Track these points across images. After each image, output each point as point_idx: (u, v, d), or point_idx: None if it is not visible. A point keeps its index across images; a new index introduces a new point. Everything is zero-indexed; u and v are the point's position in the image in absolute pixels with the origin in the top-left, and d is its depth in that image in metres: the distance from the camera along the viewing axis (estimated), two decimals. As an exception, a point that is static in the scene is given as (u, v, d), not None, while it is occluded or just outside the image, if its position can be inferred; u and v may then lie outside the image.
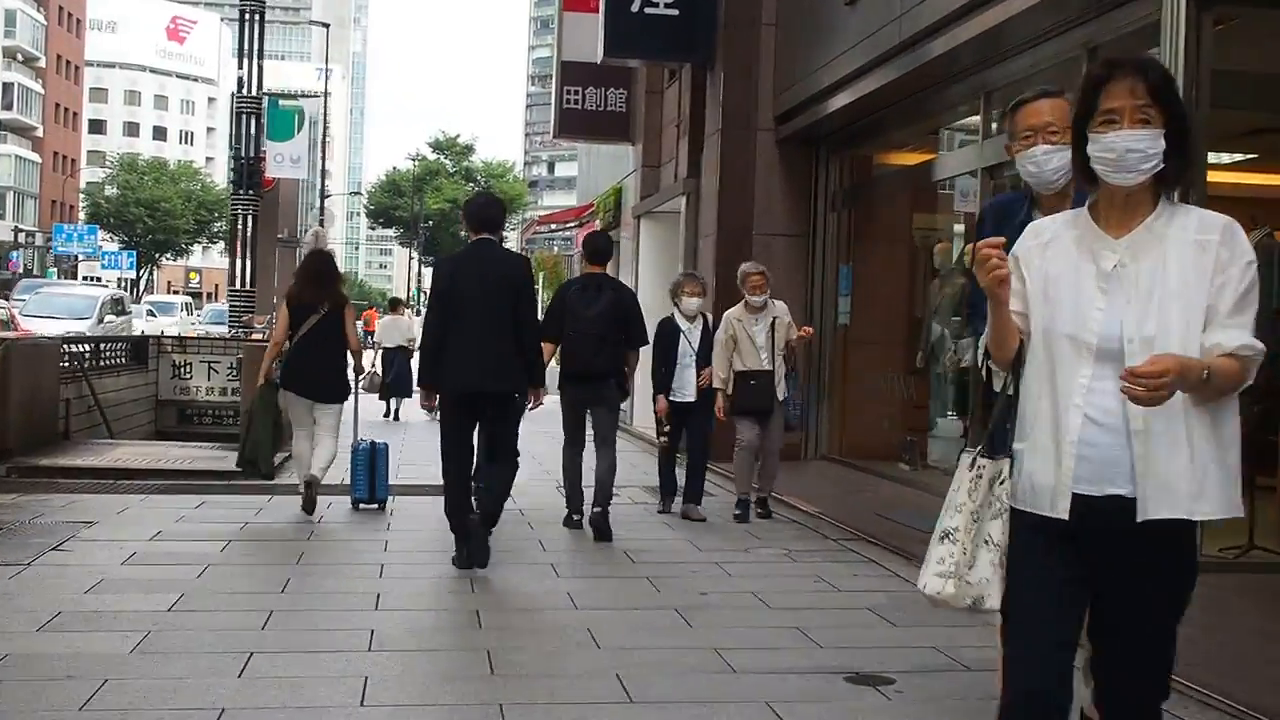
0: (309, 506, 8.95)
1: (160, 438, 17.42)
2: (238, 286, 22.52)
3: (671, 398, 9.43)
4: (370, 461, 9.33)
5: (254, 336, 20.49)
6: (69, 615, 5.77)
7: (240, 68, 23.02)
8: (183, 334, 35.46)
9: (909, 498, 10.29)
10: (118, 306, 27.97)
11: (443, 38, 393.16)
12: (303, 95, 23.58)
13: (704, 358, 9.34)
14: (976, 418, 3.72)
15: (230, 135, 23.34)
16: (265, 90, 23.37)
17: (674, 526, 9.05)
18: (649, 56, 15.40)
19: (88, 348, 15.06)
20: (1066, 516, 2.85)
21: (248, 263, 22.60)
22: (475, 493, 7.43)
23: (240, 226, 22.66)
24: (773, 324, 9.24)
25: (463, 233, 45.81)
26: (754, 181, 13.16)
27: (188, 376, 17.60)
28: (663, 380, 9.44)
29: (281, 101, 23.14)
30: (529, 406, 7.71)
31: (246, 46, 22.62)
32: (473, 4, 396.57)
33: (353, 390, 9.46)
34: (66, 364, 13.38)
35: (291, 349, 8.96)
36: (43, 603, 5.98)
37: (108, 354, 15.63)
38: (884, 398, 12.70)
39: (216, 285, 77.05)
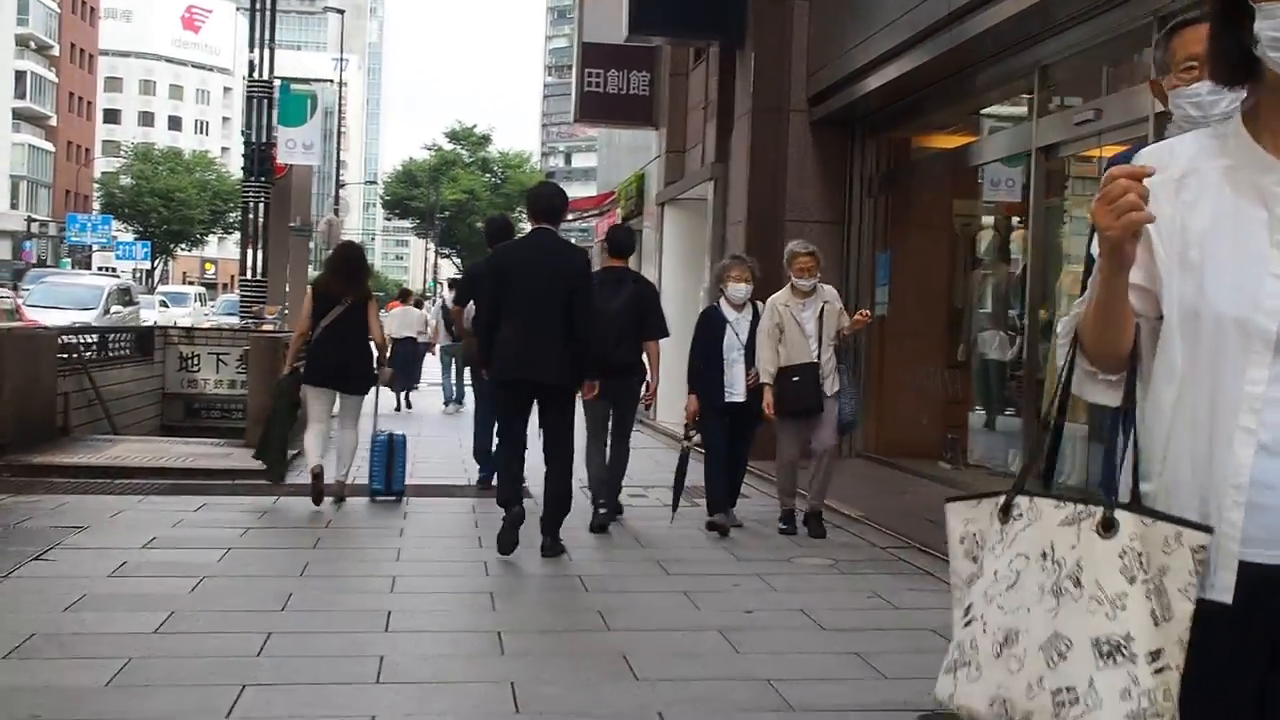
0: (339, 493, 8.95)
1: (166, 432, 16.84)
2: (249, 276, 22.01)
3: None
4: (388, 454, 9.22)
5: (264, 328, 19.94)
6: (42, 639, 5.15)
7: (251, 51, 22.48)
8: (194, 325, 35.04)
9: (956, 501, 9.63)
10: (124, 296, 27.39)
11: (459, 28, 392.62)
12: (316, 80, 22.85)
13: (755, 352, 8.32)
14: (1044, 449, 2.12)
15: (243, 122, 22.74)
16: (277, 74, 22.80)
17: (707, 533, 8.41)
18: (675, 35, 14.78)
19: (89, 338, 14.44)
20: (1229, 599, 1.83)
21: (259, 252, 22.10)
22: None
23: (251, 215, 22.14)
24: (822, 310, 8.31)
25: (478, 224, 45.82)
26: (786, 166, 12.51)
27: (195, 369, 17.02)
28: (698, 377, 8.46)
29: (293, 86, 22.53)
30: (584, 397, 7.66)
31: (258, 28, 22.07)
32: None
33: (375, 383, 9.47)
34: (65, 355, 12.78)
35: (315, 340, 8.90)
36: (14, 623, 5.36)
37: (111, 345, 15.04)
38: (923, 392, 12.06)
39: (232, 276, 76.65)
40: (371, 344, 9.19)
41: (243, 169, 22.62)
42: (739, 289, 8.49)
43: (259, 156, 22.04)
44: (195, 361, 17.05)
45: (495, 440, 8.44)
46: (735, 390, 8.36)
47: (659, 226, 17.46)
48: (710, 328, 8.53)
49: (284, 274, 23.25)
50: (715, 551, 7.75)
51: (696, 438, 8.62)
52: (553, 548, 7.23)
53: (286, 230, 23.29)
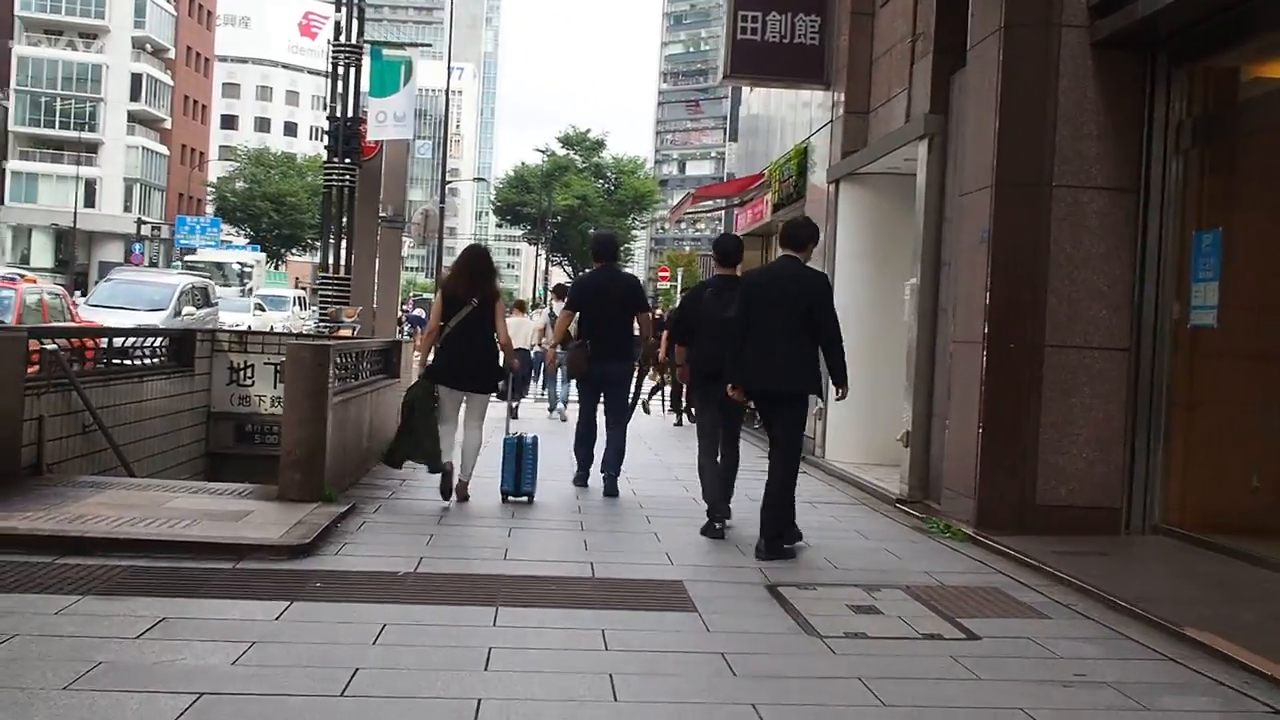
0: (462, 494, 9.18)
1: (211, 462, 13.54)
2: (329, 273, 18.73)
3: None
4: (517, 455, 9.34)
5: (342, 333, 16.58)
6: None
7: (338, 10, 19.22)
8: (290, 329, 31.81)
9: None
10: (199, 296, 24.22)
11: (574, 37, 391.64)
12: (411, 45, 19.53)
13: None
14: None
15: (325, 92, 19.47)
16: (367, 38, 19.50)
17: (977, 666, 4.60)
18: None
19: (89, 344, 10.91)
20: None
21: (342, 244, 18.82)
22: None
23: (335, 201, 18.86)
24: None
25: (590, 230, 46.16)
26: (1056, 108, 8.64)
27: (248, 382, 13.64)
28: None
29: (385, 51, 19.15)
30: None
31: (345, -18, 18.80)
32: (606, 2, 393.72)
33: (505, 382, 9.78)
34: (41, 367, 9.30)
35: (443, 341, 9.12)
36: None
37: (134, 352, 11.60)
38: (1261, 440, 8.10)
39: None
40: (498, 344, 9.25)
41: (325, 147, 19.37)
42: None
43: (344, 133, 18.79)
44: (248, 373, 13.68)
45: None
46: None
47: (831, 212, 13.63)
48: None
49: (372, 270, 19.92)
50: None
51: None
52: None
53: (375, 220, 19.97)
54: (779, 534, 7.59)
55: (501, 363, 9.35)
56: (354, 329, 16.53)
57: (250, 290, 41.87)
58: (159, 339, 12.13)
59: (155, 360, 12.12)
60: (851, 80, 13.15)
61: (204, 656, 4.84)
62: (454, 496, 9.04)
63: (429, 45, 20.90)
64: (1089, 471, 8.58)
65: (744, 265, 21.56)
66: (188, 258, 50.55)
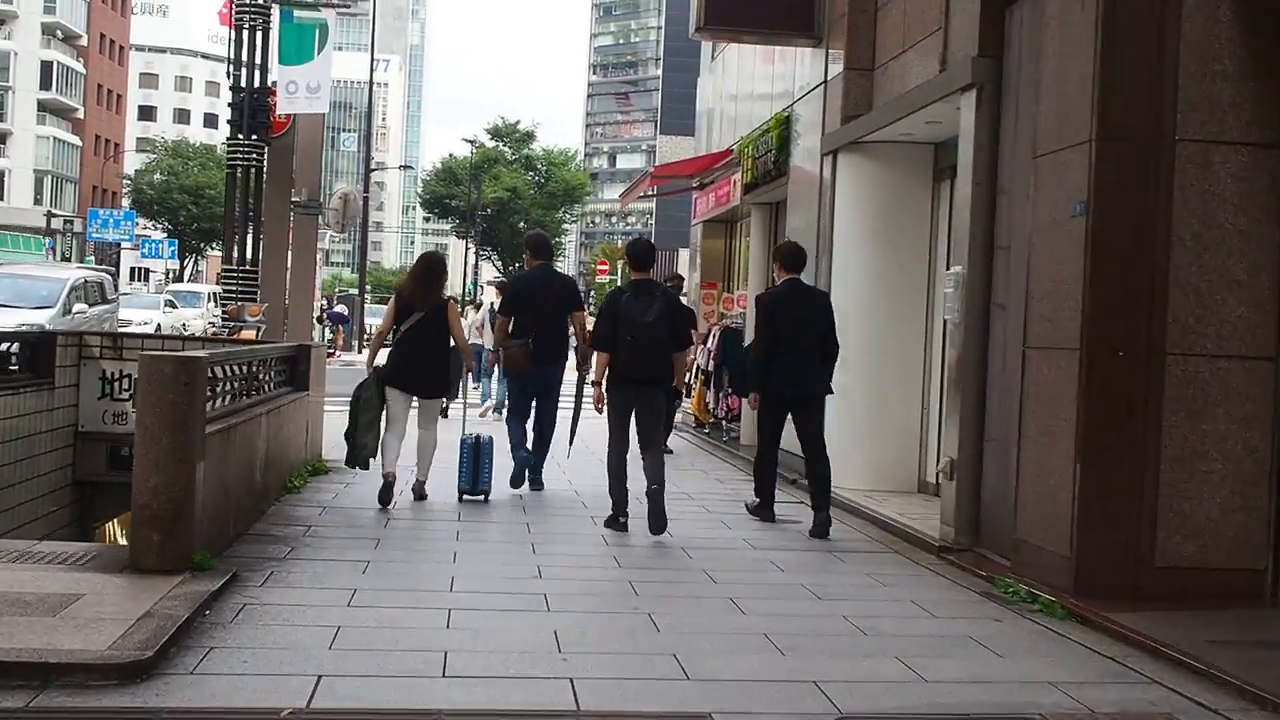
0: (420, 494, 9.32)
1: (79, 492, 11.14)
2: (234, 265, 16.22)
3: None
4: (475, 454, 9.44)
5: (244, 334, 14.14)
6: None
7: (242, -37, 16.69)
8: (206, 329, 29.05)
9: None
10: (94, 293, 21.49)
11: (503, 29, 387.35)
12: (326, 5, 17.02)
13: None
14: None
15: (228, 58, 16.96)
16: (276, -2, 16.99)
17: None
18: None
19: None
20: None
21: (248, 233, 16.32)
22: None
23: (240, 183, 16.36)
24: None
25: (521, 224, 43.66)
26: (1175, 37, 6.52)
27: (124, 396, 11.21)
28: None
29: (297, 13, 16.67)
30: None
31: (249, -69, 16.28)
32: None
33: (461, 385, 10.00)
34: None
35: (395, 345, 9.27)
36: None
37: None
38: None
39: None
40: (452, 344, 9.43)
41: (229, 122, 16.87)
42: None
43: (249, 106, 16.29)
44: (125, 385, 11.24)
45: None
46: None
47: (826, 191, 11.45)
48: None
49: (283, 262, 17.42)
50: None
51: None
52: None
53: (288, 206, 17.46)
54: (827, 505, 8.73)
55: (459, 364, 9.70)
56: (258, 329, 14.10)
57: None
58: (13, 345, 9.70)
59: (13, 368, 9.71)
60: (853, 31, 10.97)
61: None
62: (394, 503, 8.97)
63: (347, 6, 18.95)
64: (1225, 521, 6.47)
65: (706, 255, 19.58)
66: None
